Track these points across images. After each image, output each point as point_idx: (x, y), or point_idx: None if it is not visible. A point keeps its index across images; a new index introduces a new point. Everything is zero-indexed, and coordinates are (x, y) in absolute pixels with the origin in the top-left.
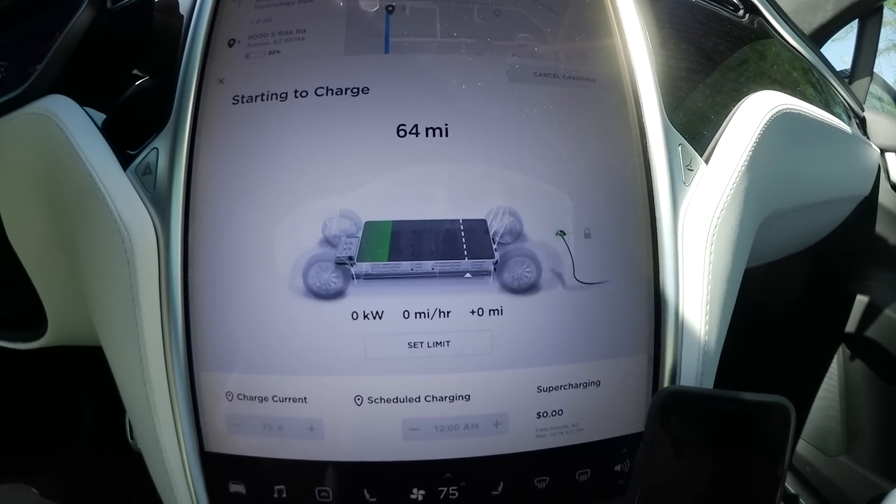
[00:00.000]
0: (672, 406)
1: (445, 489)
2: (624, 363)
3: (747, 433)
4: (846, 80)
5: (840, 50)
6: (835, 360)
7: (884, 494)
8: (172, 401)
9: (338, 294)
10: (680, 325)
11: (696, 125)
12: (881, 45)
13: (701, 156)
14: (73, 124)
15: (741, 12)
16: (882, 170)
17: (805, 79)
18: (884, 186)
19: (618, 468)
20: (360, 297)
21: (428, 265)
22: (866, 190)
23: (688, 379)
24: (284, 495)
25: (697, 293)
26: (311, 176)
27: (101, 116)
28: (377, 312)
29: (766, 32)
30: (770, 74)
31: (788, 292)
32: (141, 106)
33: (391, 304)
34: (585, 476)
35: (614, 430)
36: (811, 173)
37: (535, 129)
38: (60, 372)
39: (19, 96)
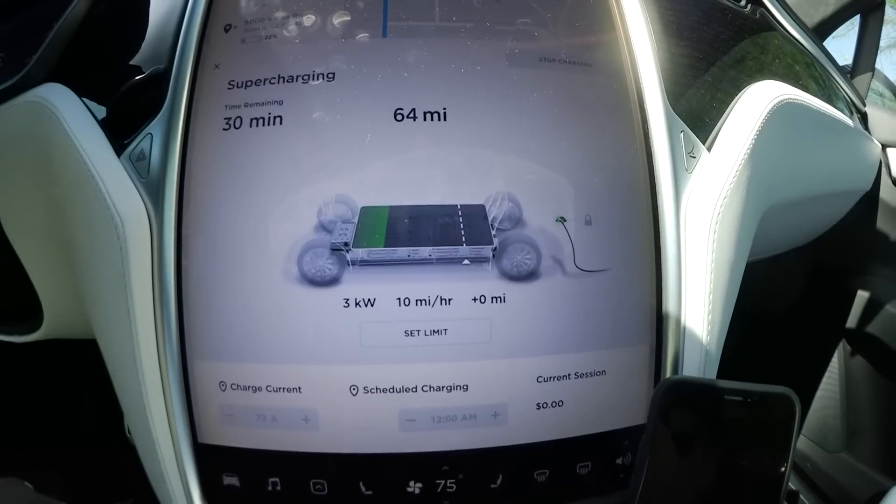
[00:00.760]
0: (675, 396)
1: (443, 482)
2: (625, 353)
3: (751, 424)
4: (848, 76)
5: (842, 47)
6: (835, 355)
7: (884, 491)
8: (165, 390)
9: (333, 281)
10: (682, 315)
11: (699, 113)
12: (883, 43)
13: (703, 143)
14: (69, 112)
15: (744, 2)
16: (883, 165)
17: (807, 72)
18: (885, 182)
19: (619, 461)
20: (356, 285)
21: (425, 251)
22: (867, 185)
23: (690, 370)
24: (279, 488)
25: (700, 282)
26: (307, 161)
27: (96, 105)
28: (372, 300)
29: (769, 24)
30: (772, 66)
31: (789, 288)
32: (137, 95)
33: (387, 292)
34: (586, 469)
35: (615, 422)
36: (813, 165)
37: (535, 114)
38: (58, 366)
39: (15, 85)
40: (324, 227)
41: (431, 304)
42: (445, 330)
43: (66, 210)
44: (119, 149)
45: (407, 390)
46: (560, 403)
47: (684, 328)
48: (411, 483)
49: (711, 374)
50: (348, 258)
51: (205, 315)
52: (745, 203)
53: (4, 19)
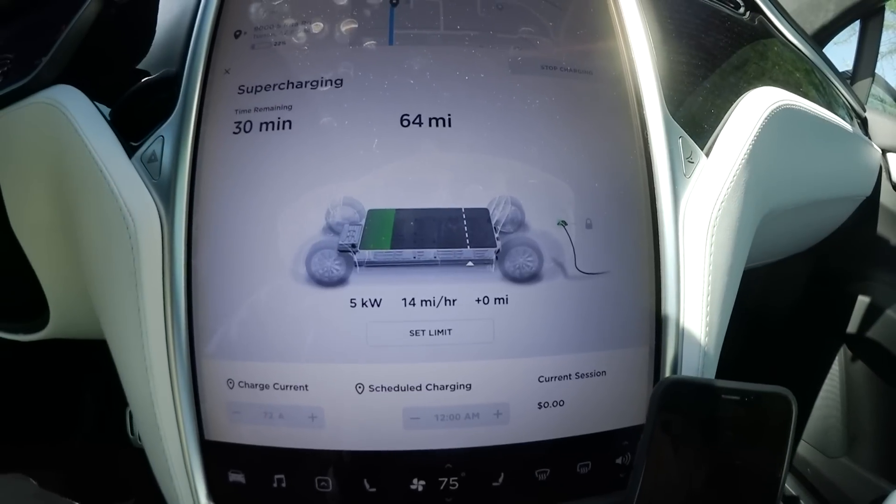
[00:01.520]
0: (674, 396)
1: (446, 479)
2: (625, 354)
3: (749, 423)
4: (848, 81)
5: (842, 53)
6: (836, 360)
7: (884, 496)
8: (173, 388)
9: (340, 281)
10: (681, 317)
11: (697, 119)
12: (883, 49)
13: (702, 149)
14: (80, 113)
15: (742, 10)
16: (883, 170)
17: (807, 78)
18: (885, 187)
19: (618, 461)
20: (363, 285)
21: (430, 253)
22: (867, 190)
23: (689, 371)
24: (284, 484)
25: (699, 285)
26: (316, 164)
27: (106, 107)
28: (378, 300)
29: (768, 31)
30: (771, 73)
31: (790, 293)
32: (146, 97)
33: (393, 292)
34: (586, 468)
35: (615, 422)
36: (811, 170)
37: (537, 120)
38: (62, 365)
39: (25, 86)
40: (331, 229)
41: (436, 304)
42: (449, 330)
43: (77, 210)
44: (130, 150)
45: (411, 389)
46: (561, 403)
47: (683, 330)
48: (414, 481)
49: (710, 375)
50: (355, 259)
51: (214, 314)
52: (742, 207)
53: (13, 21)
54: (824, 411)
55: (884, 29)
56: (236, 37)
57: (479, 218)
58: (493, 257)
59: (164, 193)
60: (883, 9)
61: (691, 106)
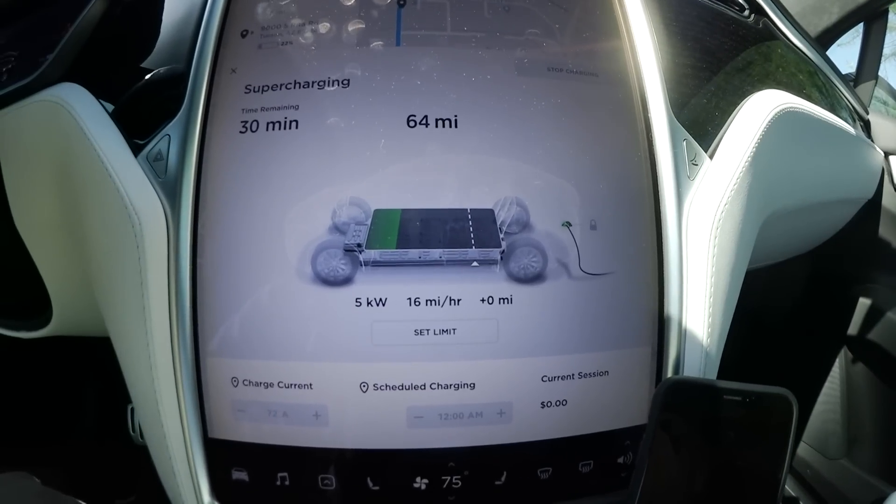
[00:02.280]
0: (676, 396)
1: (449, 478)
2: (628, 354)
3: (750, 424)
4: (851, 84)
5: (846, 55)
6: (836, 363)
7: (884, 498)
8: (178, 386)
9: (346, 281)
10: (684, 318)
11: (701, 121)
12: (886, 51)
13: (705, 151)
14: (85, 112)
15: (747, 13)
16: (886, 173)
17: (810, 81)
18: (887, 190)
19: (620, 460)
20: (368, 285)
21: (435, 253)
22: (870, 192)
23: (691, 371)
24: (287, 482)
25: (701, 286)
26: (322, 164)
27: (112, 106)
28: (383, 299)
29: (772, 34)
30: (775, 75)
31: (791, 295)
32: (152, 95)
33: (398, 292)
34: (588, 467)
35: (617, 422)
36: (814, 172)
37: (542, 122)
38: (64, 363)
39: (30, 84)
40: (337, 229)
41: (441, 304)
42: (454, 330)
43: (82, 208)
44: (135, 149)
45: (415, 388)
46: (564, 402)
47: (685, 331)
48: (418, 479)
49: (711, 376)
50: (361, 259)
51: (219, 312)
52: (745, 210)
53: (18, 18)
54: (824, 413)
55: (887, 31)
56: (243, 36)
57: (484, 218)
58: (498, 258)
59: (170, 192)
60: (886, 11)
61: (695, 108)
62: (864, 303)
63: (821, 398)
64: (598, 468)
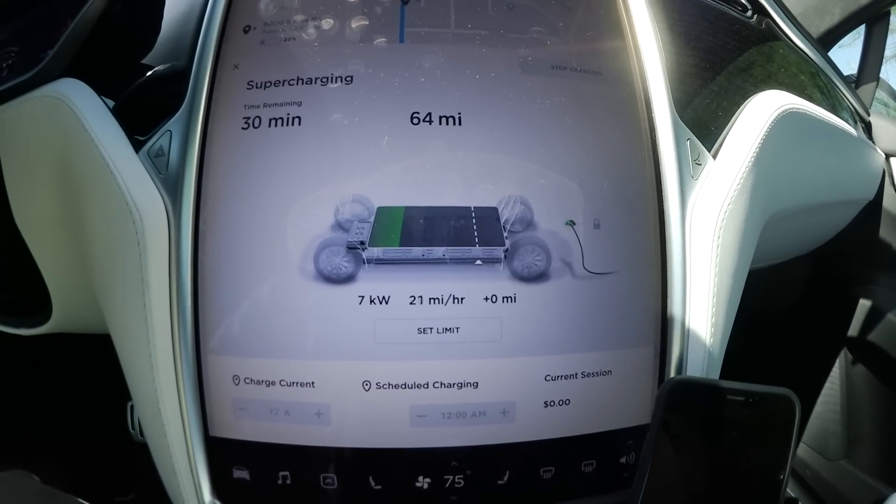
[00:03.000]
0: (679, 396)
1: (451, 477)
2: (631, 354)
3: (753, 424)
4: (852, 85)
5: (847, 57)
6: (836, 363)
7: (884, 499)
8: (179, 384)
9: (349, 278)
10: (687, 318)
11: (704, 121)
12: (888, 53)
13: (709, 151)
14: (86, 107)
15: (749, 13)
16: (887, 174)
17: (812, 81)
18: (888, 191)
19: (623, 460)
20: (371, 282)
21: (439, 251)
22: (871, 194)
23: (694, 371)
24: (288, 481)
25: (704, 286)
26: (325, 161)
27: (113, 102)
28: (386, 297)
29: (774, 34)
30: (777, 76)
31: (792, 295)
32: (154, 91)
33: (401, 290)
34: (591, 467)
35: (620, 422)
36: (816, 174)
37: (546, 120)
38: (64, 360)
39: (30, 79)
40: (340, 226)
41: (444, 302)
42: (457, 328)
43: (82, 204)
44: (137, 145)
45: (418, 386)
46: (567, 402)
47: (688, 331)
48: (420, 478)
49: (714, 376)
50: (364, 256)
51: (220, 310)
52: (748, 210)
53: (19, 16)
54: (824, 414)
55: (889, 33)
56: (245, 32)
57: (488, 217)
58: (502, 256)
59: (172, 188)
60: (888, 13)
61: (699, 108)
62: (864, 304)
63: (821, 399)
64: (601, 468)
